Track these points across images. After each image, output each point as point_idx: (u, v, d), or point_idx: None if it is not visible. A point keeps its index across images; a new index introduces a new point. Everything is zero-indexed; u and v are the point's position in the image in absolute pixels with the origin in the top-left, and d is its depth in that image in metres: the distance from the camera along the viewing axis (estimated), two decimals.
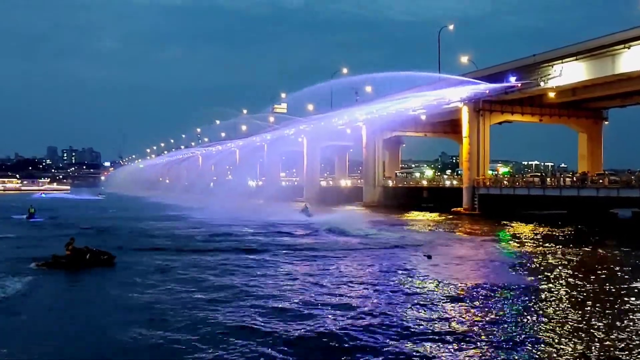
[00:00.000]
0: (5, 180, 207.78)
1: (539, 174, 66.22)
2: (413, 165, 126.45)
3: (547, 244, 32.59)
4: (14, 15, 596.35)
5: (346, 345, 12.63)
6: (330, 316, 15.01)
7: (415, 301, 16.78)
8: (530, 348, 12.34)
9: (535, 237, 36.96)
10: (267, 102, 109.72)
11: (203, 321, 14.54)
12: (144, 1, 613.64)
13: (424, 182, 76.20)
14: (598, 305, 16.61)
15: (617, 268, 23.89)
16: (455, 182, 67.66)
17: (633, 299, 17.41)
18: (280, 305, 16.29)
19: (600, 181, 48.23)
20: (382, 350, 12.18)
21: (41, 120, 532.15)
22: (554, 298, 17.80)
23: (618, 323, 14.46)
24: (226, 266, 24.09)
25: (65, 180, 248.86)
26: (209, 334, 13.47)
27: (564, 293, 18.59)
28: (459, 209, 59.77)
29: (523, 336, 13.18)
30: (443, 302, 16.76)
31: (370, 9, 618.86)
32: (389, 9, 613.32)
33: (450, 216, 56.71)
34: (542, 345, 12.53)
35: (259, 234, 38.33)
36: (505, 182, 59.33)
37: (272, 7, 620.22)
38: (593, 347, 12.45)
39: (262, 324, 14.28)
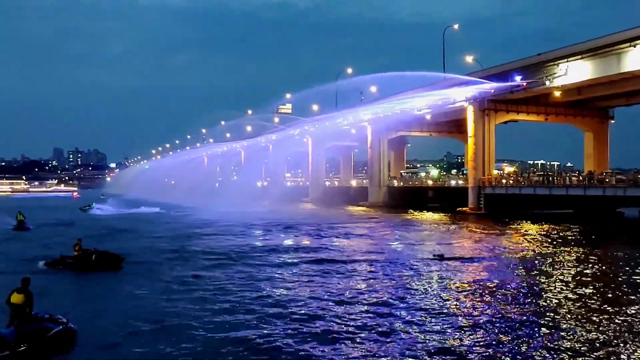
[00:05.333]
0: (13, 182, 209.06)
1: (544, 174, 65.96)
2: (418, 165, 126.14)
3: (554, 244, 32.53)
4: (23, 21, 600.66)
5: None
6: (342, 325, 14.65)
7: (431, 310, 16.41)
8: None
9: (542, 236, 36.83)
10: (273, 104, 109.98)
11: (205, 331, 13.97)
12: (154, 7, 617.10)
13: (430, 182, 76.07)
14: (607, 305, 16.62)
15: (625, 268, 23.79)
16: (460, 182, 67.47)
17: None
18: (287, 312, 15.79)
19: (607, 180, 48.02)
20: None
21: (47, 122, 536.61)
22: (564, 300, 17.77)
23: (626, 325, 14.44)
24: (231, 270, 24.13)
25: (71, 182, 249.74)
26: (211, 345, 12.86)
27: (574, 294, 18.56)
28: (464, 208, 59.66)
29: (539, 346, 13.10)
30: (457, 310, 16.68)
31: (381, 12, 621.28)
32: (399, 12, 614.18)
33: (456, 216, 56.61)
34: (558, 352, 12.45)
35: (263, 235, 38.39)
36: (510, 181, 59.17)
37: (282, 11, 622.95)
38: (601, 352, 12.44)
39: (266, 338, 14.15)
